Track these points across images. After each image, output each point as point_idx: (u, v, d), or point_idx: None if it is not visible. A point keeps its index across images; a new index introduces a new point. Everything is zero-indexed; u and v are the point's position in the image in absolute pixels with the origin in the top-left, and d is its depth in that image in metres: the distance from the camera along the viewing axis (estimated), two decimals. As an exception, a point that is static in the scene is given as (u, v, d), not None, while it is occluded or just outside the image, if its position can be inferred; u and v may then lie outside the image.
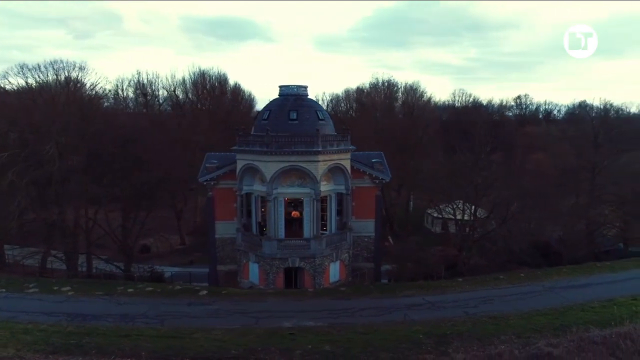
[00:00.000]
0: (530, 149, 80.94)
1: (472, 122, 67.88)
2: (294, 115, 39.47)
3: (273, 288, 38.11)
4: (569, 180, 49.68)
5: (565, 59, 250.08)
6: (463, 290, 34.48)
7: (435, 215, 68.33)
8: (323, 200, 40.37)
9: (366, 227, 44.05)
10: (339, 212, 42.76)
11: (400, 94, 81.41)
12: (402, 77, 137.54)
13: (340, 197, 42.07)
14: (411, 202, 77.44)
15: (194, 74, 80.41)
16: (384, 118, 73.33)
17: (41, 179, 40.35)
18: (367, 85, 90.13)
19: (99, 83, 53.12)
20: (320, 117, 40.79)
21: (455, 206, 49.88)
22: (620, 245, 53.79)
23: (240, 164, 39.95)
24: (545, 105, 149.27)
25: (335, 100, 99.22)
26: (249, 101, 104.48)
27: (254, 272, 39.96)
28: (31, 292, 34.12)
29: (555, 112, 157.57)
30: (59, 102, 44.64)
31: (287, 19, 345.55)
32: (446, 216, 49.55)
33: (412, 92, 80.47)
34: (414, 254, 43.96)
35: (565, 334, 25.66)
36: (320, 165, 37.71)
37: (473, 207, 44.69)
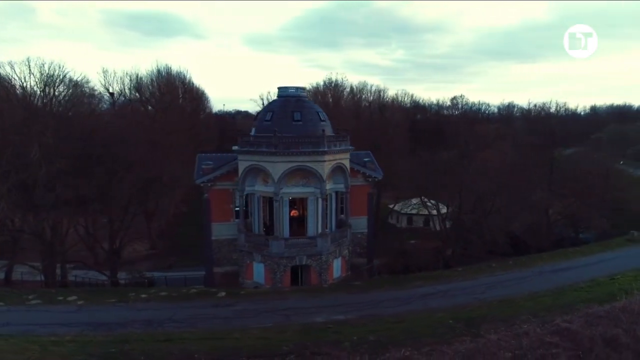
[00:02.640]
0: (481, 147, 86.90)
1: (449, 122, 71.51)
2: (297, 116, 40.15)
3: (280, 287, 38.67)
4: (530, 175, 54.74)
5: (486, 63, 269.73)
6: (465, 279, 37.19)
7: (403, 211, 71.93)
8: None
9: (360, 223, 45.86)
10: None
11: (369, 94, 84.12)
12: (350, 79, 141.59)
13: (337, 195, 43.46)
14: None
15: (158, 72, 77.75)
16: (352, 118, 75.37)
17: (25, 183, 37.64)
18: (320, 85, 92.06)
19: (81, 82, 50.26)
20: (322, 118, 41.87)
21: (433, 201, 53.11)
22: (572, 233, 60.32)
23: (243, 165, 39.94)
24: (479, 105, 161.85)
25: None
26: (205, 100, 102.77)
27: (259, 272, 40.16)
28: (34, 303, 31.93)
29: (487, 112, 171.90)
30: (36, 102, 41.73)
31: (216, 15, 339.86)
32: (432, 212, 52.58)
33: (380, 92, 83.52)
34: (406, 248, 46.35)
35: (572, 311, 28.91)
36: (326, 165, 38.82)
37: (458, 201, 47.98)
